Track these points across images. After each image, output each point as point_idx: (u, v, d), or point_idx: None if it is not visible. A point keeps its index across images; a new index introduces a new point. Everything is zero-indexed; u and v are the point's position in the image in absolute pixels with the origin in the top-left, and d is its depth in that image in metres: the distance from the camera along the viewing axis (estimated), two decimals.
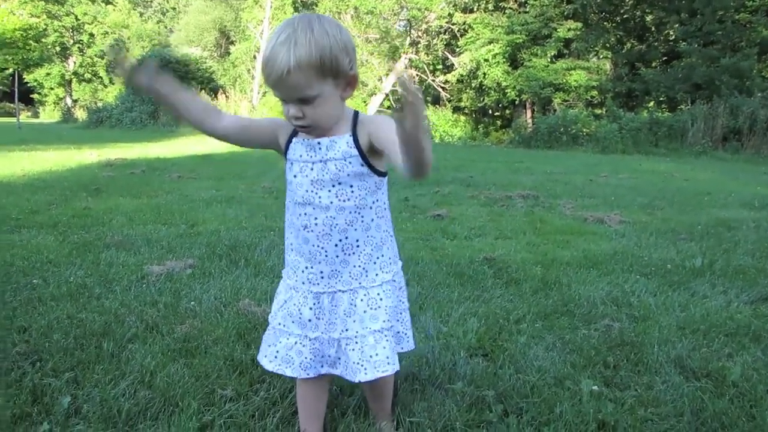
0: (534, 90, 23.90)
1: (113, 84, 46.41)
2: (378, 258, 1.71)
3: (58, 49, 50.83)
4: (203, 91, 24.69)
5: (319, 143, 1.62)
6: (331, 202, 1.63)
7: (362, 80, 27.63)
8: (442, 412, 2.00)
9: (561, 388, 2.20)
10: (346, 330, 1.68)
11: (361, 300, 1.68)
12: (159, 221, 5.11)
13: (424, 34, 27.96)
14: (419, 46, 28.20)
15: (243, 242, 4.29)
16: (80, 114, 33.83)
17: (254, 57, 31.17)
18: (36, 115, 54.68)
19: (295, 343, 1.72)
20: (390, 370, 1.67)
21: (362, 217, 1.66)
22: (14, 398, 2.03)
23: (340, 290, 1.69)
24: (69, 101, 50.39)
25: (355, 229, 1.66)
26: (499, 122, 28.69)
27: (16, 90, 30.80)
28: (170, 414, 1.97)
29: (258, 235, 4.58)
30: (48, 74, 51.74)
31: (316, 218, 1.65)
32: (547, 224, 5.50)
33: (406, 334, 1.81)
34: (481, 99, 27.22)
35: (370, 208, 1.67)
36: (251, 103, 25.88)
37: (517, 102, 26.06)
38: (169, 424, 1.91)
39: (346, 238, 1.65)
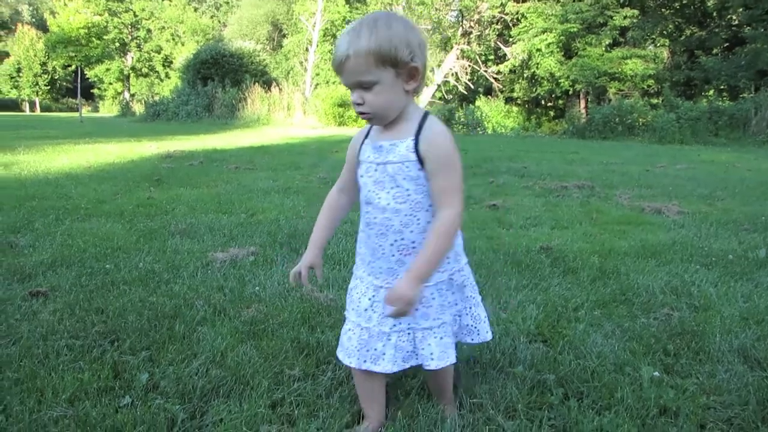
0: (588, 80, 23.52)
1: (168, 78, 47.54)
2: None
3: (117, 45, 52.29)
4: (257, 84, 25.01)
5: (381, 146, 1.70)
6: (388, 204, 1.70)
7: None
8: (504, 394, 2.05)
9: (621, 374, 2.21)
10: (400, 323, 1.75)
11: None
12: (220, 210, 5.27)
13: (477, 24, 27.77)
14: (471, 36, 28.04)
15: (302, 231, 4.39)
16: (138, 108, 34.79)
17: (306, 49, 31.49)
18: (96, 109, 56.50)
19: (349, 329, 1.82)
20: (433, 365, 1.76)
21: (418, 219, 1.70)
22: (98, 373, 2.16)
23: None
24: (127, 95, 51.80)
25: (411, 231, 1.71)
26: (552, 113, 28.37)
27: (79, 85, 31.91)
28: (241, 392, 2.07)
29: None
30: (108, 70, 53.40)
31: (375, 217, 1.73)
32: (603, 214, 5.45)
33: (476, 327, 1.86)
34: (534, 89, 26.94)
35: (427, 210, 1.70)
36: (304, 95, 26.17)
37: (570, 92, 25.69)
38: (240, 401, 2.00)
39: (402, 239, 1.72)
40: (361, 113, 1.65)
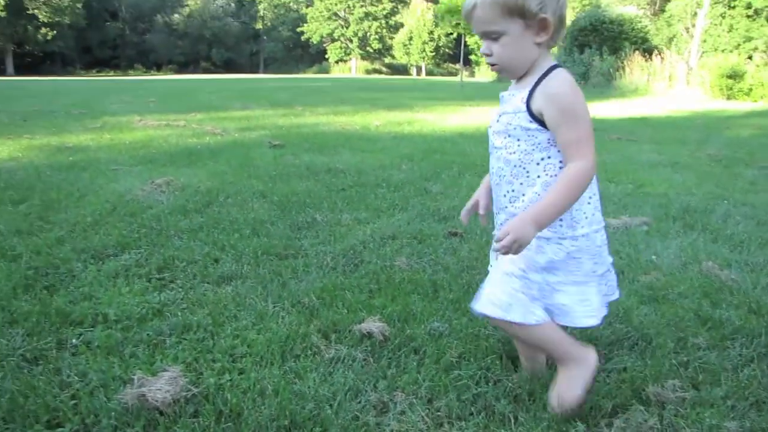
0: None
1: None
2: None
3: None
4: (636, 51, 23.88)
5: (503, 96, 1.74)
6: (501, 154, 1.72)
7: None
8: None
9: None
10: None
11: None
12: (606, 179, 5.35)
13: None
14: None
15: (695, 207, 4.27)
16: None
17: (695, 14, 28.96)
18: (472, 74, 60.08)
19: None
20: (490, 312, 1.68)
21: (527, 172, 1.68)
22: None
23: None
24: None
25: (521, 183, 1.70)
26: None
27: (461, 52, 34.32)
28: (644, 348, 2.20)
29: (710, 202, 4.49)
30: None
31: (493, 166, 1.78)
32: None
33: (573, 309, 1.74)
34: None
35: (537, 164, 1.67)
36: (688, 64, 24.23)
37: None
38: (644, 356, 2.15)
39: (513, 190, 1.72)
40: (490, 65, 1.66)
